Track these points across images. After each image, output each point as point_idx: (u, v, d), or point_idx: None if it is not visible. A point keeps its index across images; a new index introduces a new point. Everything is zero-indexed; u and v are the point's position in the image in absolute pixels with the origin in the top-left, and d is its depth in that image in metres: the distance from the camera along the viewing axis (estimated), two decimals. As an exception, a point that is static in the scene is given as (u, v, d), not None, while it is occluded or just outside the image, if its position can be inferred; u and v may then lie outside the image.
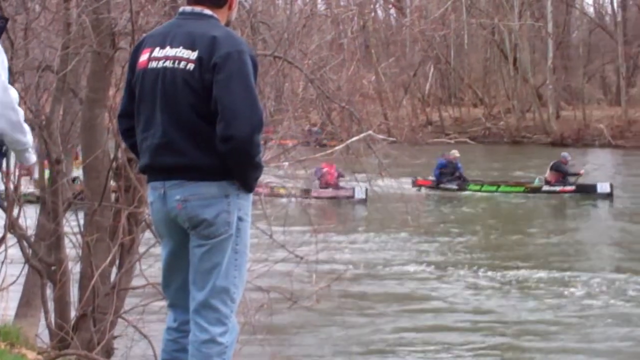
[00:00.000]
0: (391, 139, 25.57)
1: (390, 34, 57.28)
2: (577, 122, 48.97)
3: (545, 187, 28.50)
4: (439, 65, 55.50)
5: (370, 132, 21.23)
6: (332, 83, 21.23)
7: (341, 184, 27.19)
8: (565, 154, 29.84)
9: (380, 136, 23.02)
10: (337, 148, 19.46)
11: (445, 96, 57.16)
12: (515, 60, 51.33)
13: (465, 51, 55.14)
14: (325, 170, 26.91)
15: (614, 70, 55.48)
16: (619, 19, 50.58)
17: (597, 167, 34.35)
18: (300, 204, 22.05)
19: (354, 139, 20.24)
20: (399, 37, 54.84)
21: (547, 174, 28.78)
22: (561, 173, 28.60)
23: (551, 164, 29.12)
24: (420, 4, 54.70)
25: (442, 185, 29.51)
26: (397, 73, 51.42)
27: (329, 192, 26.70)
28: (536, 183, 28.90)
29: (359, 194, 25.95)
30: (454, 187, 29.38)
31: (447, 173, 29.62)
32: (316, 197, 24.87)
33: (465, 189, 29.34)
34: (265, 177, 25.09)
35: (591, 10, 60.77)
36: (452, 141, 49.24)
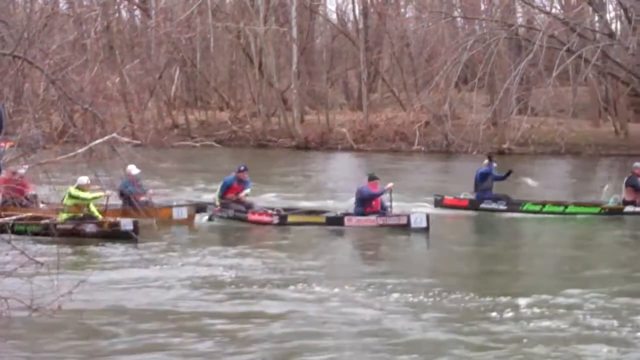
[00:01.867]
0: (136, 141, 25.20)
1: (135, 36, 56.54)
2: (321, 126, 50.20)
3: (629, 208, 23.17)
4: (184, 68, 55.29)
5: (114, 134, 20.80)
6: (74, 84, 20.54)
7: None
8: (637, 163, 23.97)
9: (125, 139, 22.66)
10: (80, 151, 18.93)
11: (192, 99, 57.03)
12: (260, 64, 51.96)
13: (211, 54, 55.23)
14: (365, 189, 21.52)
15: (356, 75, 57.33)
16: (361, 26, 52.32)
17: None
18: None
19: (98, 141, 19.73)
20: (144, 39, 54.24)
21: (623, 191, 23.46)
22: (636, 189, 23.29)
23: (625, 179, 23.64)
24: (166, 6, 54.32)
25: (483, 206, 23.89)
26: (142, 75, 50.80)
27: (373, 219, 21.10)
28: (611, 203, 23.46)
29: (418, 222, 20.50)
30: (502, 207, 23.74)
31: (486, 188, 24.12)
32: (352, 226, 21.13)
33: (517, 210, 23.68)
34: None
35: (334, 17, 62.61)
36: (198, 144, 49.20)
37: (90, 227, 19.45)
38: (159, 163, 26.11)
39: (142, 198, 21.71)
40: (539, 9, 45.97)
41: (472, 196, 24.35)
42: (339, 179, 32.86)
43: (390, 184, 21.64)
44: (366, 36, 52.52)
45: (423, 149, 45.52)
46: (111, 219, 19.84)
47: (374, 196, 21.31)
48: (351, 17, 60.27)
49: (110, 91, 30.93)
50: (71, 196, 19.58)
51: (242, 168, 22.77)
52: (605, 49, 41.71)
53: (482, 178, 24.20)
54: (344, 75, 60.85)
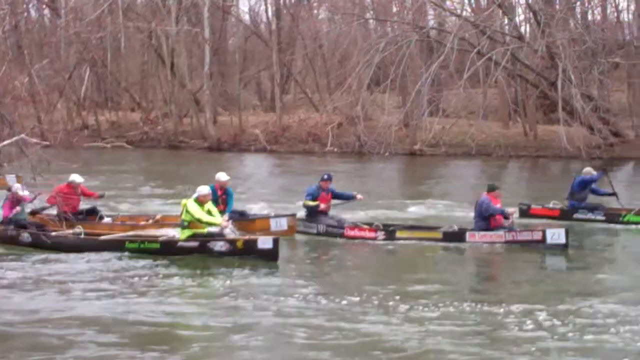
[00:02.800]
0: (45, 142, 24.69)
1: (44, 35, 55.54)
2: (234, 127, 49.97)
3: None
4: (95, 68, 54.50)
5: (22, 135, 20.36)
6: (-19, 84, 19.99)
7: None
8: None
9: (34, 140, 22.20)
10: (-14, 152, 18.48)
11: (102, 100, 56.24)
12: (172, 65, 51.46)
13: (122, 54, 54.52)
14: (486, 202, 19.00)
15: (269, 77, 57.22)
16: (274, 27, 52.17)
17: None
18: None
19: (5, 142, 19.30)
20: (54, 38, 53.27)
21: None
22: None
23: None
24: (76, 5, 53.46)
25: (577, 216, 21.96)
26: (52, 75, 49.93)
27: (500, 235, 18.68)
28: None
29: (555, 238, 18.28)
30: (599, 217, 21.79)
31: (583, 197, 22.14)
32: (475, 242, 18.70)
33: (616, 221, 21.59)
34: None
35: (247, 17, 62.41)
36: (109, 145, 48.54)
37: (219, 246, 16.70)
38: (71, 164, 25.64)
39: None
40: (450, 12, 46.48)
41: (563, 205, 22.37)
42: (254, 181, 32.71)
43: (513, 209, 19.38)
44: (279, 37, 52.40)
45: (336, 150, 45.62)
46: (245, 236, 17.31)
47: (497, 213, 18.76)
48: (264, 18, 60.35)
49: (19, 91, 30.27)
50: (188, 212, 16.92)
51: (325, 177, 19.94)
52: (515, 51, 42.34)
53: (581, 186, 22.00)
54: (257, 76, 60.68)
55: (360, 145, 44.51)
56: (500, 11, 44.10)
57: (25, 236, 18.17)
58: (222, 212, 18.45)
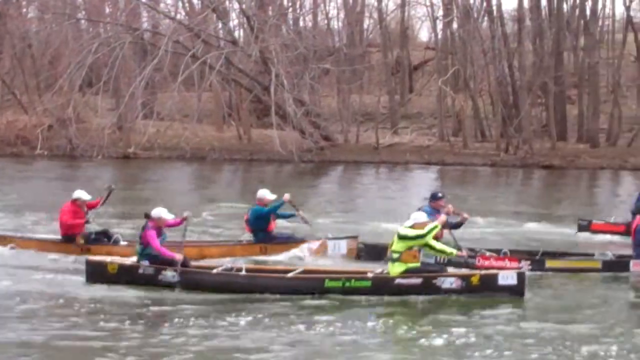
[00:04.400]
0: None
1: None
2: None
3: None
4: None
5: None
6: None
7: None
8: None
9: None
10: None
11: None
12: None
13: None
14: None
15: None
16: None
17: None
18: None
19: None
20: None
21: None
22: None
23: None
24: None
25: None
26: None
27: None
28: None
29: None
30: None
31: None
32: None
33: None
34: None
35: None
36: None
37: (449, 282, 13.79)
38: None
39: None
40: (164, 14, 46.14)
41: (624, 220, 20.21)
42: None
43: None
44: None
45: (46, 153, 43.94)
46: (481, 271, 14.48)
47: None
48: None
49: None
50: (402, 237, 13.88)
51: (439, 195, 16.82)
52: (229, 55, 42.64)
53: None
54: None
55: (72, 149, 43.14)
56: (215, 15, 44.27)
57: (170, 275, 14.18)
58: (269, 233, 17.03)
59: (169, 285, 14.02)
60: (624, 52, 48.01)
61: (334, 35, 53.46)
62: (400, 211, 25.17)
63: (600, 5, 47.81)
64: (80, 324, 11.95)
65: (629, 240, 17.00)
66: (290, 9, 49.64)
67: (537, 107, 47.31)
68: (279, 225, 18.16)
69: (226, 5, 46.58)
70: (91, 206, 17.48)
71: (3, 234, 18.08)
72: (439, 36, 51.39)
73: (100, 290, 13.86)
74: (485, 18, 48.91)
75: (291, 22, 49.95)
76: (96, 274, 14.32)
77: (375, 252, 16.10)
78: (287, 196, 17.23)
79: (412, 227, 13.88)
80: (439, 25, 51.43)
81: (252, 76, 44.01)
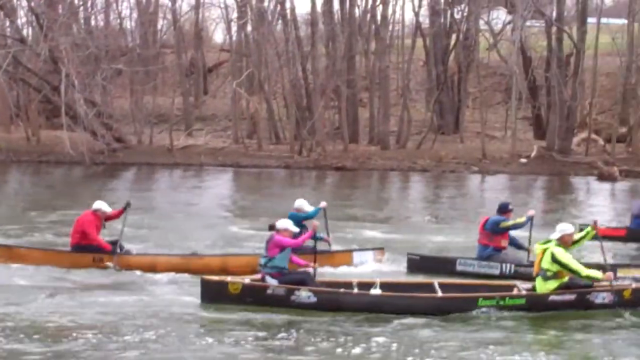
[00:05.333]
0: None
1: None
2: None
3: None
4: None
5: None
6: None
7: None
8: None
9: None
10: None
11: None
12: None
13: None
14: None
15: None
16: None
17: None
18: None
19: None
20: None
21: None
22: None
23: None
24: None
25: None
26: None
27: None
28: None
29: None
30: None
31: None
32: None
33: None
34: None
35: None
36: None
37: (601, 297, 13.17)
38: None
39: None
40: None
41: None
42: None
43: None
44: None
45: None
46: (632, 284, 13.61)
47: None
48: None
49: None
50: (558, 262, 13.11)
51: (510, 207, 16.08)
52: (17, 54, 41.22)
53: None
54: None
55: None
56: (2, 12, 42.67)
57: (304, 295, 13.00)
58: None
59: (300, 307, 12.90)
60: (413, 56, 49.59)
61: (127, 35, 52.62)
62: (195, 212, 25.06)
63: (390, 11, 49.25)
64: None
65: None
66: (82, 8, 48.46)
67: (330, 110, 48.17)
68: None
69: (14, 2, 45.00)
70: (108, 218, 16.63)
71: (5, 244, 16.85)
72: (234, 38, 51.49)
73: (219, 312, 12.72)
74: (280, 21, 49.36)
75: (82, 21, 48.78)
76: (214, 294, 13.15)
77: (428, 263, 15.90)
78: (323, 203, 16.72)
79: (561, 239, 13.34)
80: (234, 28, 51.61)
81: (41, 76, 42.74)
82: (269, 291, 13.05)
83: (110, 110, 45.59)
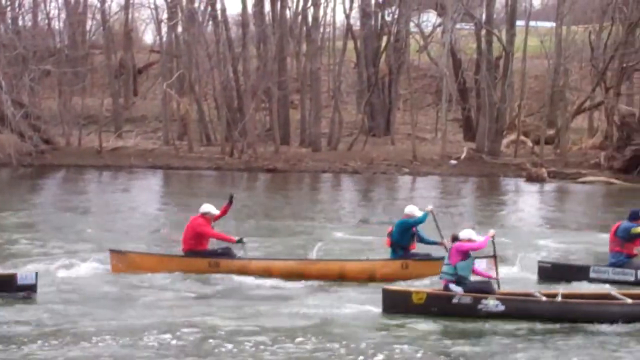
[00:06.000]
0: None
1: None
2: None
3: None
4: None
5: None
6: None
7: None
8: None
9: None
10: None
11: None
12: None
13: None
14: None
15: None
16: None
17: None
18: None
19: None
20: None
21: None
22: None
23: None
24: None
25: None
26: None
27: None
28: None
29: None
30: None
31: None
32: None
33: None
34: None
35: None
36: None
37: None
38: None
39: None
40: None
41: None
42: None
43: None
44: None
45: None
46: None
47: None
48: None
49: None
50: None
51: None
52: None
53: None
54: None
55: None
56: None
57: (492, 303, 12.67)
58: (409, 251, 15.69)
59: (487, 316, 12.60)
60: (344, 58, 49.70)
61: (55, 35, 51.83)
62: (122, 213, 24.82)
63: (321, 13, 49.23)
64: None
65: None
66: (9, 8, 47.65)
67: (262, 112, 48.06)
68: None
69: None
70: (217, 218, 16.23)
71: (118, 250, 16.23)
72: (164, 39, 51.09)
73: (403, 321, 12.46)
74: (210, 22, 49.11)
75: (10, 21, 47.93)
76: (397, 303, 12.89)
77: (560, 271, 15.59)
78: (430, 207, 16.08)
79: None
80: (164, 28, 51.14)
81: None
82: (455, 300, 12.82)
83: (39, 112, 44.92)
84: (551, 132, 45.71)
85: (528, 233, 22.58)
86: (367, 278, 14.53)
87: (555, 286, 14.10)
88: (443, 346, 11.32)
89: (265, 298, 13.80)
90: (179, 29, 47.88)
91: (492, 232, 13.51)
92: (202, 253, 15.62)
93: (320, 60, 48.52)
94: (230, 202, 16.22)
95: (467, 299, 12.71)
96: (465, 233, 13.26)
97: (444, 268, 13.10)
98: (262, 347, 10.89)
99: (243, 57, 46.60)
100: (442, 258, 14.87)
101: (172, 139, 45.70)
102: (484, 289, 12.95)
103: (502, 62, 45.48)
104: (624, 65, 43.45)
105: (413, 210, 15.93)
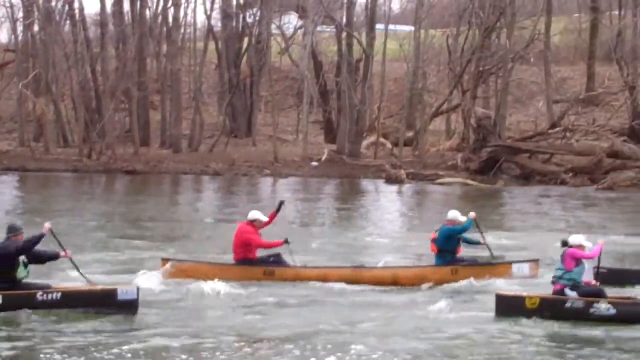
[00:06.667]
0: None
1: None
2: None
3: None
4: None
5: None
6: None
7: None
8: None
9: None
10: None
11: None
12: None
13: None
14: None
15: None
16: None
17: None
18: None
19: None
20: None
21: None
22: None
23: None
24: None
25: None
26: None
27: None
28: None
29: None
30: None
31: None
32: None
33: None
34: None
35: None
36: None
37: None
38: None
39: None
40: None
41: None
42: None
43: None
44: None
45: None
46: None
47: None
48: None
49: None
50: None
51: None
52: None
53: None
54: None
55: None
56: None
57: (604, 308, 12.71)
58: (456, 255, 15.81)
59: (599, 320, 12.62)
60: (206, 60, 49.41)
61: None
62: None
63: (182, 14, 48.81)
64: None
65: None
66: None
67: (121, 113, 47.30)
68: None
69: None
70: (265, 225, 15.76)
71: (169, 258, 15.77)
72: (20, 38, 49.75)
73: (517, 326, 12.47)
74: (68, 22, 48.10)
75: None
76: (510, 308, 13.03)
77: (616, 276, 15.37)
78: (472, 214, 15.96)
79: None
80: (20, 27, 49.83)
81: None
82: (568, 305, 12.94)
83: None
84: (410, 134, 46.44)
85: (388, 233, 22.92)
86: (420, 284, 15.05)
87: (622, 291, 14.39)
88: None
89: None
90: (36, 28, 46.77)
91: (601, 241, 13.79)
92: (254, 262, 15.47)
93: (181, 61, 48.11)
94: (279, 209, 16.03)
95: (580, 304, 12.92)
96: (575, 238, 13.44)
97: (558, 273, 13.22)
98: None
99: (102, 58, 45.82)
100: (489, 264, 16.20)
101: (28, 141, 44.54)
102: (597, 293, 13.16)
103: (363, 65, 46.03)
104: (481, 69, 44.55)
105: (456, 215, 16.05)
